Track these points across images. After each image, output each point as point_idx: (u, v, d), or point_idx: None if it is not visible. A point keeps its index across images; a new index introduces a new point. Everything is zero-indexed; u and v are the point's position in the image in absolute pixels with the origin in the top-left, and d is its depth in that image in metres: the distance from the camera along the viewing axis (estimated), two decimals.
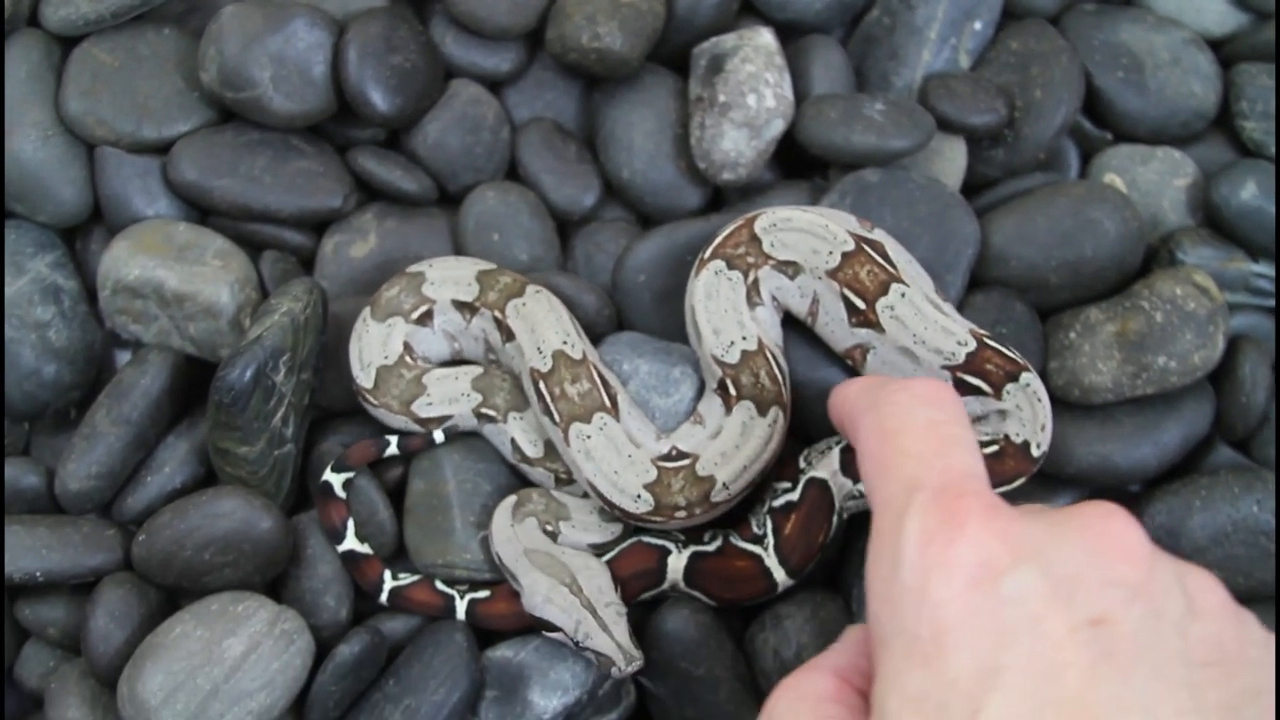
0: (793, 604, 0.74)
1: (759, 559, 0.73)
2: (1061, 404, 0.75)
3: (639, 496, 0.71)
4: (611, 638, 0.68)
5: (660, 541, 0.74)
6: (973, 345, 0.70)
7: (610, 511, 0.73)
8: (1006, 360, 0.70)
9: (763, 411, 0.72)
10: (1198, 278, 0.75)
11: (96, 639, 0.74)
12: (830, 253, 0.71)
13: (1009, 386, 0.70)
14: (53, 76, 0.80)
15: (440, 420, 0.75)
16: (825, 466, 0.72)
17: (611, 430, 0.72)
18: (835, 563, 0.76)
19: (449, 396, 0.75)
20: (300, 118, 0.78)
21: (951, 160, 0.80)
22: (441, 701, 0.72)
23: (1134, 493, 0.78)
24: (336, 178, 0.79)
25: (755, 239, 0.72)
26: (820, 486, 0.72)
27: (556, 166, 0.80)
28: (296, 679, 0.72)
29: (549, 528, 0.73)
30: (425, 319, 0.76)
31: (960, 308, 0.76)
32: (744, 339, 0.72)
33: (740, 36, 0.78)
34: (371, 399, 0.75)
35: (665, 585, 0.74)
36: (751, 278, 0.72)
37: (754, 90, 0.77)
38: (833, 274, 0.71)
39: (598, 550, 0.74)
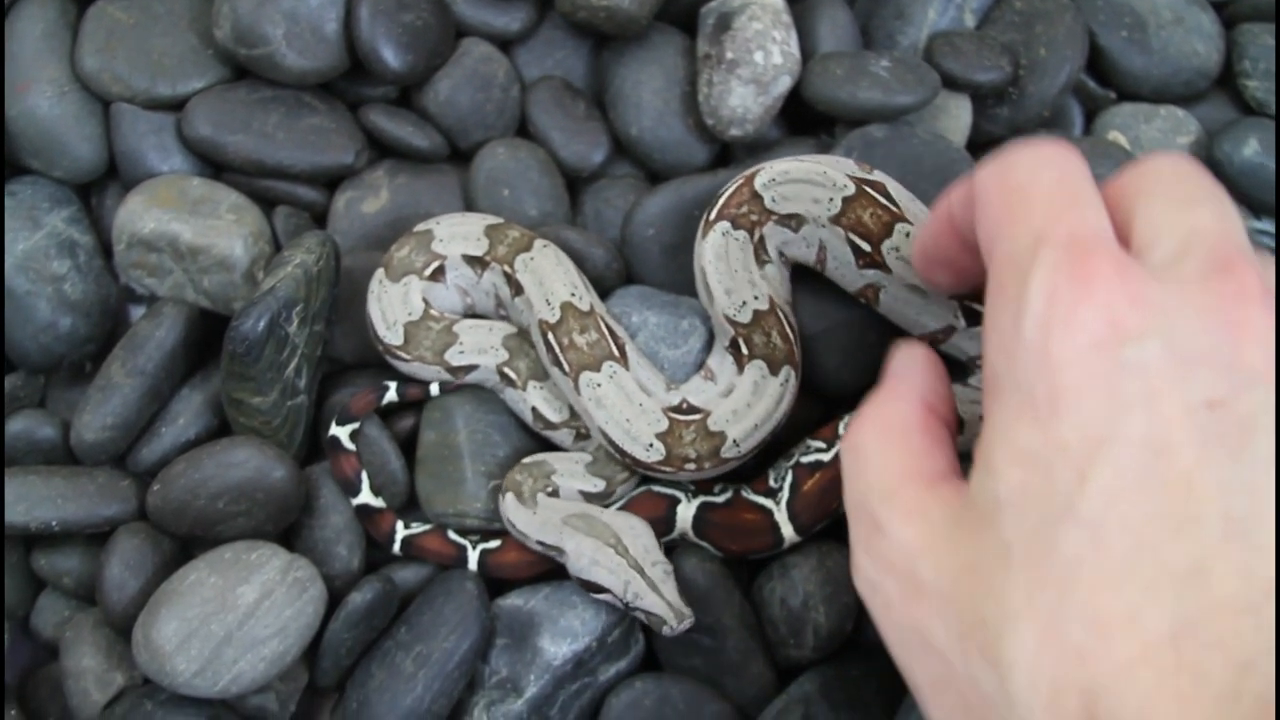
0: (799, 553, 0.74)
1: (769, 513, 0.73)
2: None
3: (650, 445, 0.72)
4: (661, 596, 0.69)
5: (670, 491, 0.75)
6: None
7: (620, 460, 0.74)
8: None
9: (774, 370, 0.72)
10: None
11: (111, 587, 0.75)
12: (831, 200, 0.71)
13: None
14: (68, 34, 0.81)
15: (468, 369, 0.76)
16: None
17: (622, 378, 0.73)
18: (843, 516, 0.76)
19: (479, 346, 0.76)
20: (312, 75, 0.79)
21: (956, 118, 0.80)
22: (452, 649, 0.73)
23: None
24: (348, 134, 0.80)
25: (756, 196, 0.73)
26: None
27: (566, 124, 0.81)
28: (309, 626, 0.73)
29: (548, 490, 0.74)
30: (438, 275, 0.76)
31: None
32: (756, 298, 0.72)
33: None
34: (404, 354, 0.76)
35: (674, 534, 0.74)
36: (757, 235, 0.73)
37: (761, 47, 0.77)
38: (836, 220, 0.71)
39: (589, 499, 0.75)
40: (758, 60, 0.77)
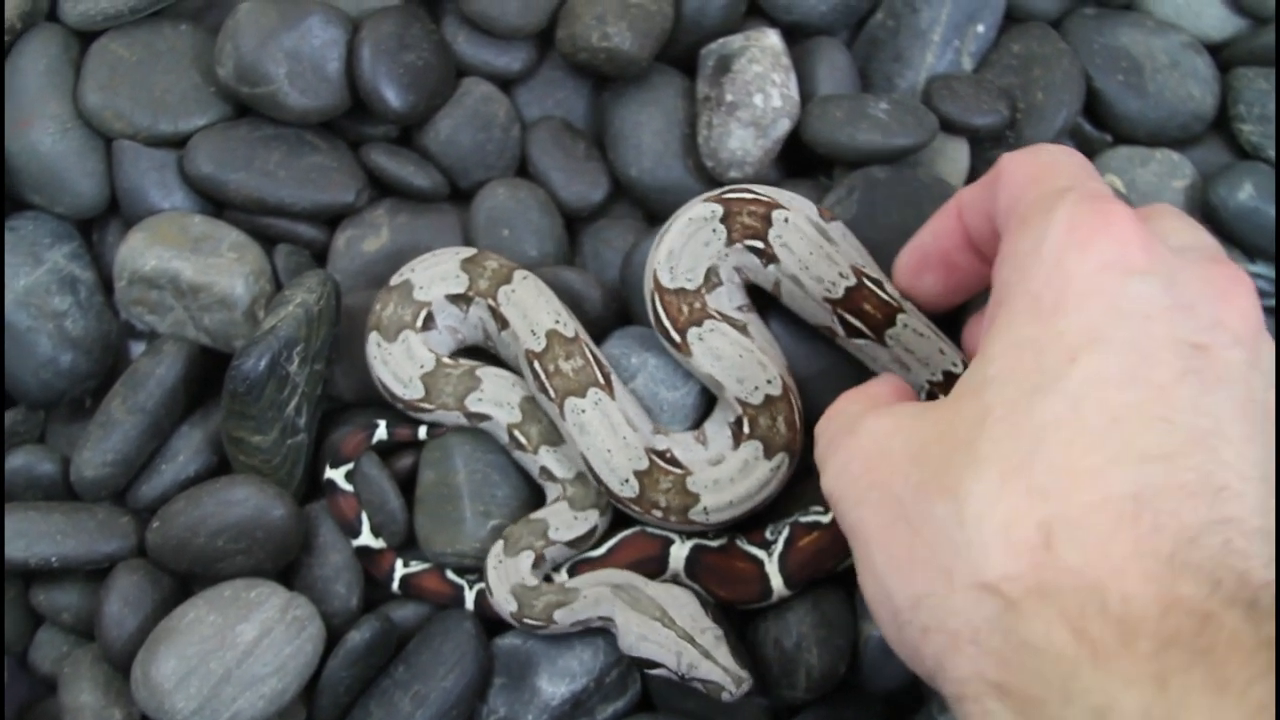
0: (796, 597, 0.75)
1: (760, 564, 0.74)
2: None
3: (626, 480, 0.73)
4: (716, 663, 0.69)
5: (663, 532, 0.75)
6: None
7: (597, 489, 0.74)
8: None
9: (769, 455, 0.73)
10: None
11: (110, 624, 0.75)
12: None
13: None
14: (71, 70, 0.81)
15: (481, 417, 0.76)
16: None
17: (606, 407, 0.73)
18: (836, 574, 0.76)
19: (497, 399, 0.76)
20: (314, 113, 0.79)
21: (954, 160, 0.81)
22: (450, 688, 0.73)
23: None
24: (350, 173, 0.80)
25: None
26: None
27: (566, 164, 0.82)
28: (308, 665, 0.74)
29: (538, 545, 0.74)
30: (429, 323, 0.77)
31: (964, 306, 0.77)
32: (769, 382, 0.73)
33: (747, 38, 0.79)
34: (428, 405, 0.76)
35: (667, 575, 0.75)
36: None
37: (761, 90, 0.78)
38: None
39: (581, 544, 0.75)
40: (757, 103, 0.78)
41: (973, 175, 0.81)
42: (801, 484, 0.75)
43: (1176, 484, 0.45)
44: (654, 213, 0.82)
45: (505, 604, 0.73)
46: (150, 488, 0.78)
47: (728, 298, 0.75)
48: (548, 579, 0.75)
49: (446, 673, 0.73)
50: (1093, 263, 0.48)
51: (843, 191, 0.78)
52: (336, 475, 0.77)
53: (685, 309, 0.73)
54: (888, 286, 0.72)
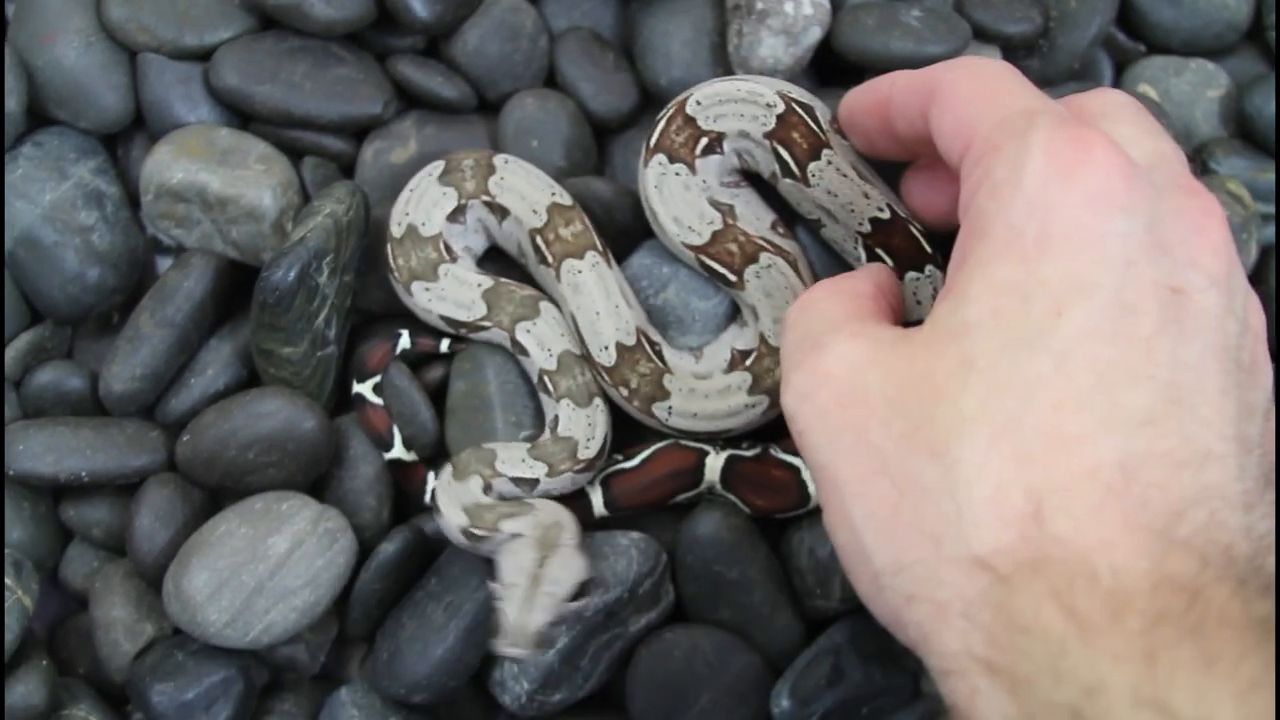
0: None
1: (796, 470, 0.73)
2: None
3: (606, 347, 0.73)
4: (512, 616, 0.66)
5: (698, 444, 0.75)
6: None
7: (571, 465, 0.74)
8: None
9: (753, 391, 0.73)
10: (1231, 186, 0.76)
11: (141, 539, 0.75)
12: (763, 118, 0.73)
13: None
14: None
15: (521, 349, 0.76)
16: None
17: (603, 271, 0.74)
18: None
19: (544, 341, 0.75)
20: (341, 24, 0.78)
21: None
22: (484, 599, 0.73)
23: None
24: (376, 85, 0.80)
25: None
26: None
27: (594, 74, 0.81)
28: (339, 577, 0.73)
29: (486, 473, 0.73)
30: (449, 252, 0.76)
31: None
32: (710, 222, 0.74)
33: None
34: (486, 324, 0.75)
35: (703, 487, 0.74)
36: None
37: None
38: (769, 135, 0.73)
39: (523, 487, 0.74)
40: (788, 10, 0.77)
41: None
42: None
43: (1162, 450, 0.45)
44: None
45: (454, 518, 0.71)
46: (179, 402, 0.78)
47: (716, 170, 0.75)
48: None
49: (480, 584, 0.73)
50: (1076, 196, 0.48)
51: None
52: (364, 389, 0.76)
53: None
54: (822, 120, 0.73)
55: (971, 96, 0.54)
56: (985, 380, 0.47)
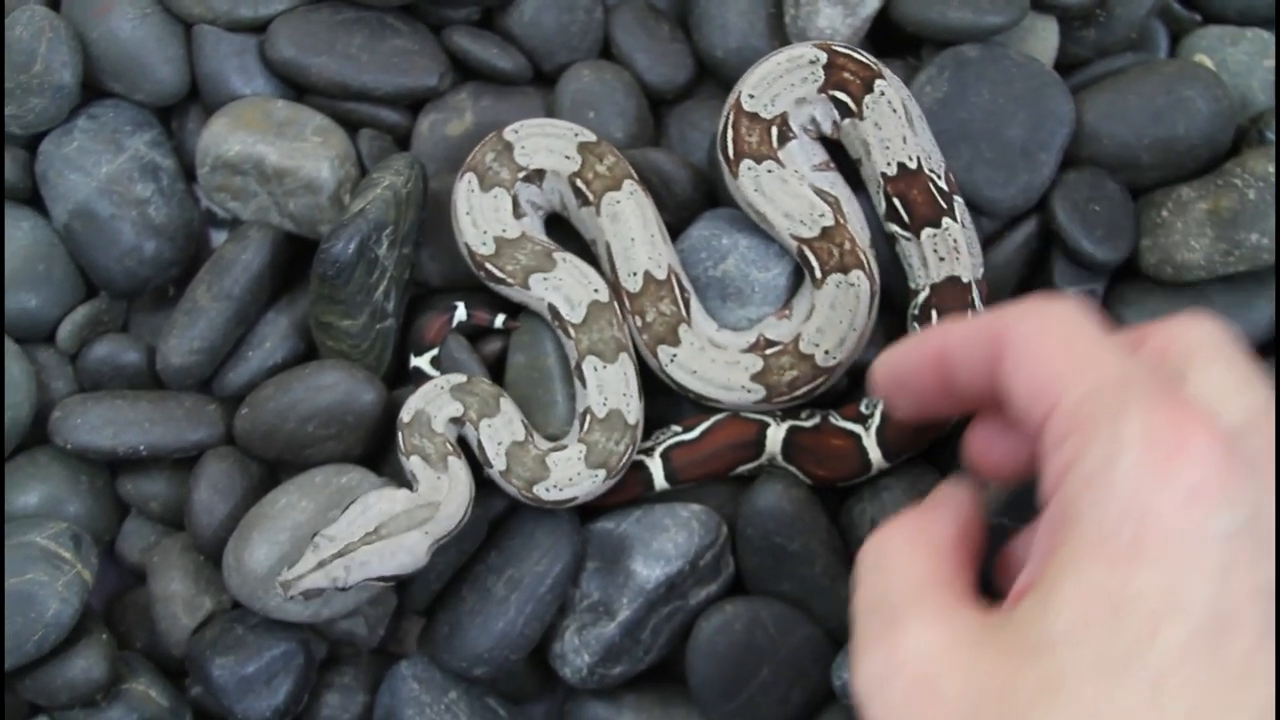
0: (892, 475, 0.74)
1: (856, 438, 0.73)
2: (1154, 282, 0.76)
3: (634, 274, 0.74)
4: (309, 569, 0.67)
5: (758, 416, 0.75)
6: None
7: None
8: None
9: (756, 381, 0.73)
10: None
11: (200, 512, 0.75)
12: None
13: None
14: None
15: (539, 301, 0.75)
16: None
17: (640, 200, 0.74)
18: (932, 446, 0.76)
19: (570, 295, 0.75)
20: None
21: (1044, 39, 0.79)
22: (544, 572, 0.73)
23: None
24: (432, 56, 0.79)
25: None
26: None
27: (650, 45, 0.80)
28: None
29: (461, 415, 0.73)
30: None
31: (1053, 186, 0.76)
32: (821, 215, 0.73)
33: None
34: (493, 267, 0.74)
35: (764, 459, 0.74)
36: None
37: None
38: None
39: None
40: None
41: (1062, 53, 0.80)
42: None
43: None
44: None
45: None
46: (236, 375, 0.77)
47: (802, 155, 0.75)
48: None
49: (540, 557, 0.73)
50: (1174, 495, 0.44)
51: (934, 70, 0.77)
52: (422, 362, 0.76)
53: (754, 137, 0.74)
54: (942, 182, 0.73)
55: (1051, 355, 0.49)
56: (1072, 709, 0.44)
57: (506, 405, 0.73)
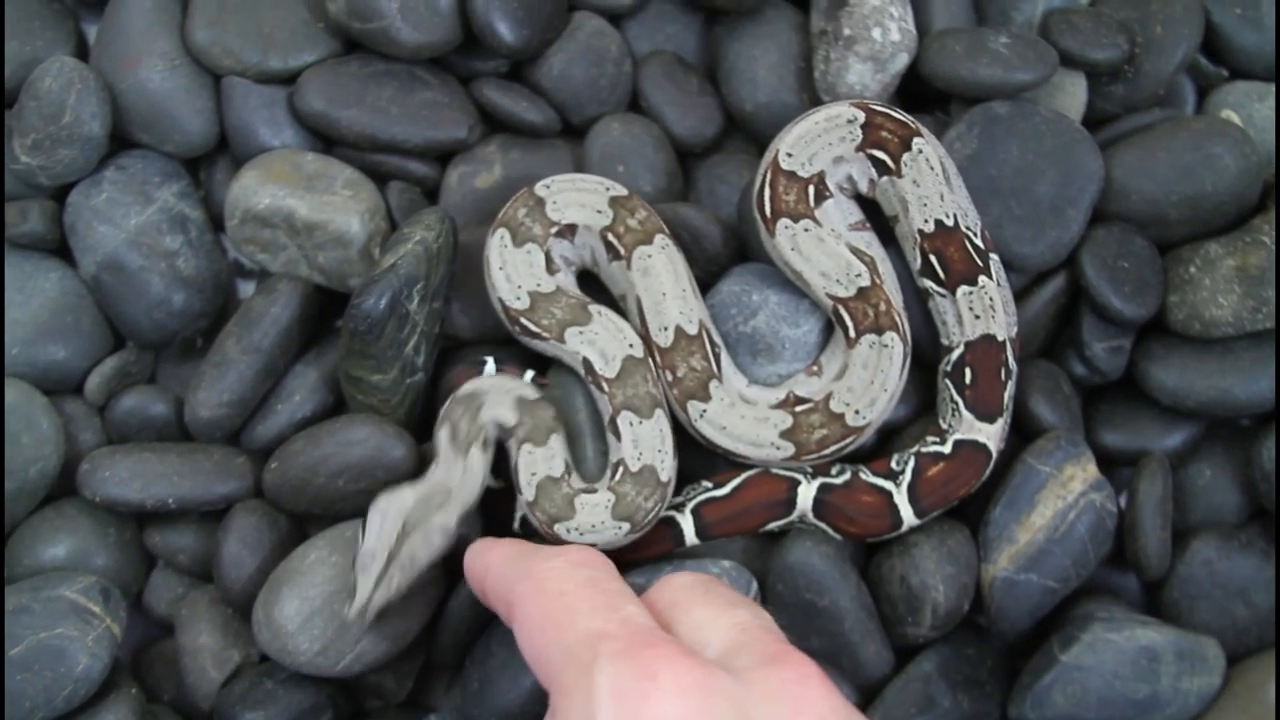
0: (920, 532, 0.74)
1: (888, 495, 0.73)
2: (1182, 338, 0.76)
3: (666, 328, 0.73)
4: (370, 589, 0.68)
5: (789, 472, 0.75)
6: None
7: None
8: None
9: (786, 437, 0.73)
10: None
11: (229, 565, 0.75)
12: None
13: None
14: (178, 6, 0.80)
15: (575, 355, 0.75)
16: (983, 432, 0.73)
17: (672, 254, 0.74)
18: (961, 503, 0.76)
19: (605, 349, 0.74)
20: (426, 49, 0.78)
21: (1072, 95, 0.80)
22: None
23: (1245, 426, 0.79)
24: (461, 109, 0.79)
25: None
26: (975, 448, 0.73)
27: (679, 99, 0.81)
28: (429, 605, 0.74)
29: (511, 427, 0.73)
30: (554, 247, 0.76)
31: (1082, 242, 0.77)
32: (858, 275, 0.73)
33: None
34: (527, 321, 0.74)
35: (794, 516, 0.74)
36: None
37: (879, 24, 0.77)
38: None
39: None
40: (875, 37, 0.77)
41: (1090, 109, 0.80)
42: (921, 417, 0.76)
43: None
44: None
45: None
46: (265, 428, 0.77)
47: (839, 214, 0.75)
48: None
49: None
50: None
51: (963, 127, 0.77)
52: None
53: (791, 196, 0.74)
54: (978, 239, 0.73)
55: (542, 622, 0.52)
56: None
57: (555, 442, 0.73)
